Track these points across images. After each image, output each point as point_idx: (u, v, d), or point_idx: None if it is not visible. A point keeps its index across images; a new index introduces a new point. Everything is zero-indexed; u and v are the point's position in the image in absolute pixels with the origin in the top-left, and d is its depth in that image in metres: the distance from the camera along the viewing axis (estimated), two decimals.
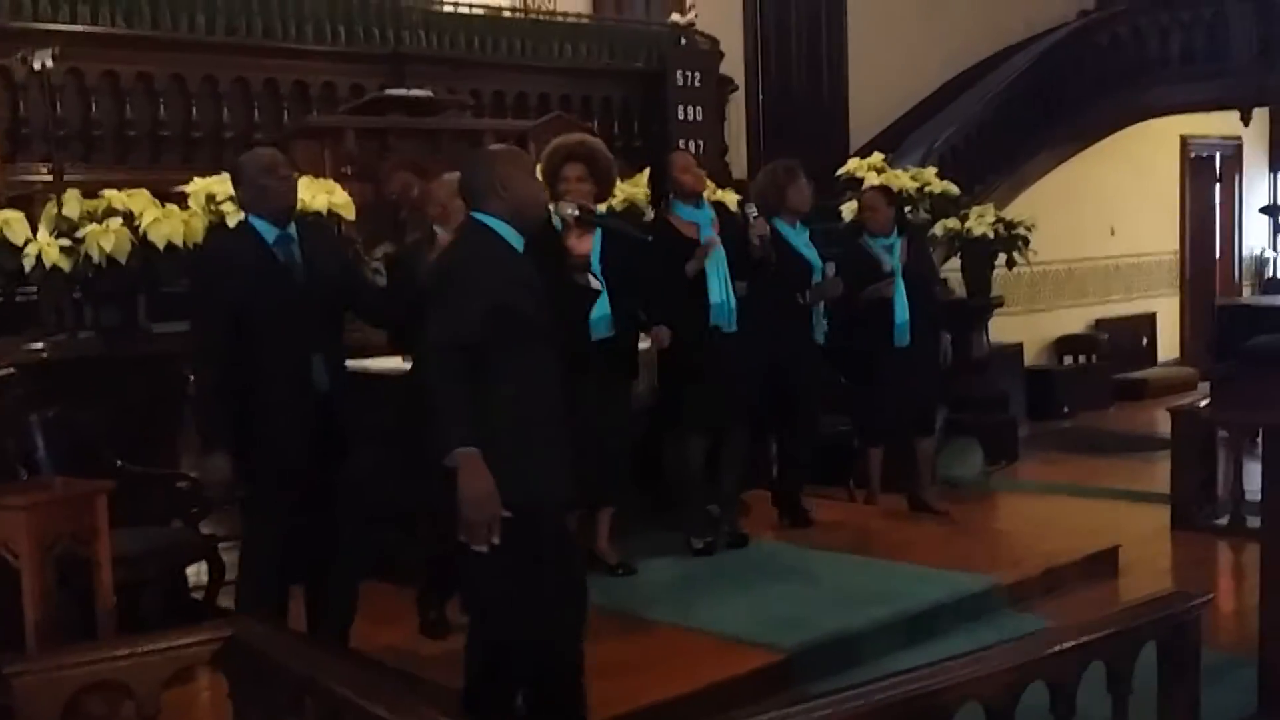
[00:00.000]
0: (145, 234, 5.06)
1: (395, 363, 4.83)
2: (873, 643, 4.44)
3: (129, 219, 5.09)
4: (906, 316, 6.11)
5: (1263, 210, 3.63)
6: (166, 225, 5.10)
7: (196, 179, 5.47)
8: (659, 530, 5.60)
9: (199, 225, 5.22)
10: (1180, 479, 6.28)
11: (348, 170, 6.07)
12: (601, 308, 4.92)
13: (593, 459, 4.89)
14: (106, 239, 4.99)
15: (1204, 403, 6.17)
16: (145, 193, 5.23)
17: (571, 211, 3.80)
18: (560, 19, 8.98)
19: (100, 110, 6.61)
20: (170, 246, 5.09)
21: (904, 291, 6.14)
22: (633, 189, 6.41)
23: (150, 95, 6.78)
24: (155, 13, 6.97)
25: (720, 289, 5.34)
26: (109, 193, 5.19)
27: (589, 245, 4.07)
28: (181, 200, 5.37)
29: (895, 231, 6.26)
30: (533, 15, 9.13)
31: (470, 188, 3.38)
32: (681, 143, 8.14)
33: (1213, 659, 3.94)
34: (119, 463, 4.73)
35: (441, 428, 3.16)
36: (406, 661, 4.18)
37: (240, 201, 4.12)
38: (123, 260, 5.02)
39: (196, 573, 4.83)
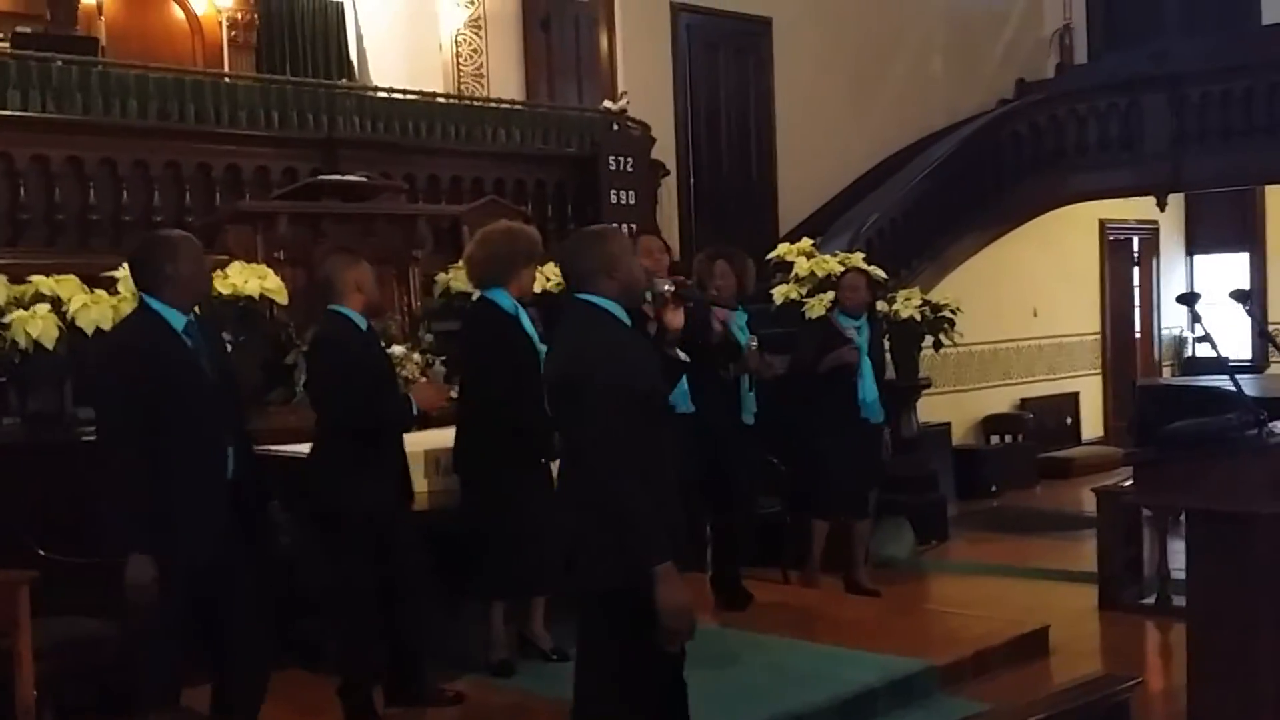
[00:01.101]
0: (73, 320, 5.01)
1: (304, 448, 4.81)
2: None
3: (56, 304, 5.04)
4: (876, 394, 6.29)
5: (1179, 299, 3.73)
6: (95, 311, 5.05)
7: (126, 265, 5.42)
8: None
9: (127, 310, 5.17)
10: (1106, 559, 6.38)
11: (280, 255, 6.05)
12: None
13: (534, 546, 4.91)
14: (34, 325, 4.93)
15: (1128, 483, 6.29)
16: (74, 278, 5.18)
17: (669, 288, 3.85)
18: (494, 104, 9.07)
19: (29, 194, 6.54)
20: (99, 331, 5.03)
21: (871, 371, 6.32)
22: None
23: (80, 179, 6.71)
24: (86, 97, 6.93)
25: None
26: (37, 278, 5.13)
27: (681, 319, 4.10)
28: (110, 285, 5.32)
29: (865, 316, 6.45)
30: (466, 100, 9.21)
31: (578, 269, 3.31)
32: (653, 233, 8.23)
33: None
34: (42, 552, 4.62)
35: (639, 537, 3.05)
36: None
37: (148, 284, 3.89)
38: (50, 346, 4.96)
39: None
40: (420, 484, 4.91)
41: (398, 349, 5.71)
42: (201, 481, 3.84)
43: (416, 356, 5.79)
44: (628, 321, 3.32)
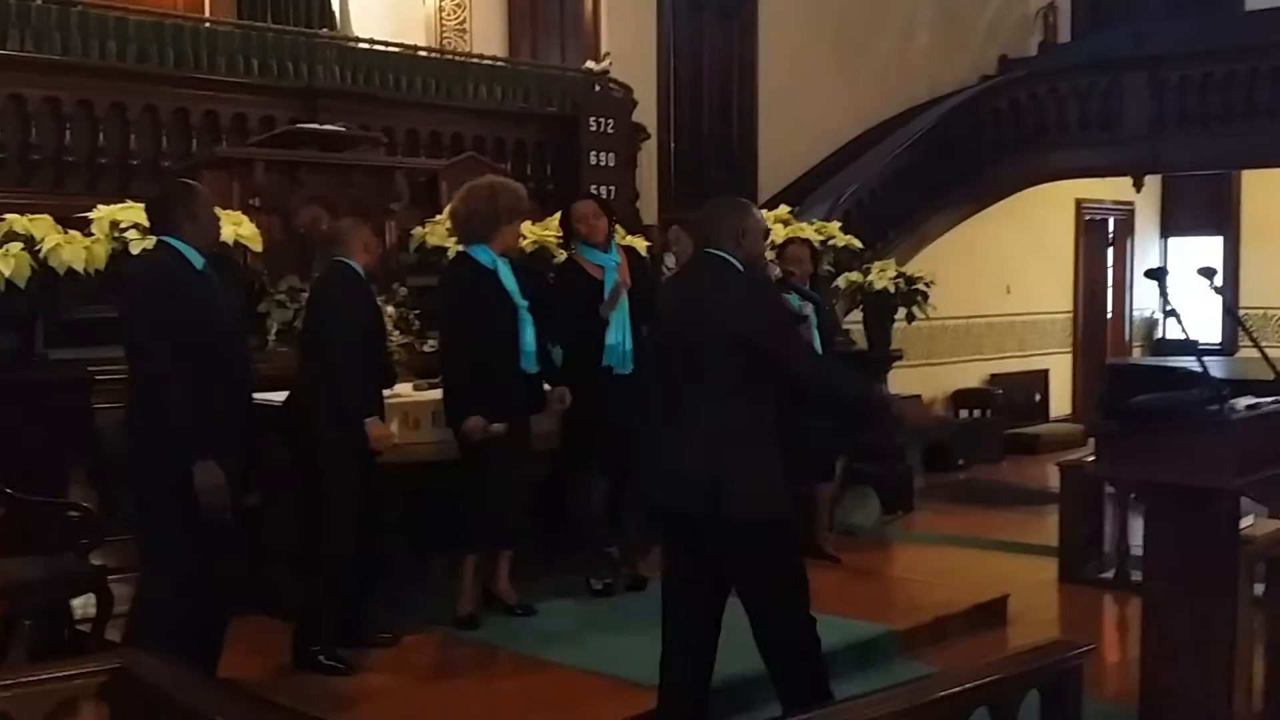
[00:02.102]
0: (46, 259, 4.99)
1: (277, 396, 4.85)
2: (766, 687, 4.48)
3: (30, 243, 5.01)
4: None
5: (1148, 274, 3.78)
6: (68, 251, 5.03)
7: (100, 205, 5.40)
8: (559, 572, 5.62)
9: (101, 252, 5.16)
10: (1068, 533, 6.45)
11: (256, 202, 6.02)
12: (531, 342, 5.00)
13: (509, 501, 4.96)
14: (6, 262, 4.91)
15: (1091, 458, 6.35)
16: (48, 218, 5.15)
17: (777, 273, 4.12)
18: (476, 61, 9.02)
19: (5, 133, 6.49)
20: (71, 272, 5.01)
21: (818, 341, 6.30)
22: (543, 232, 6.45)
23: (57, 120, 6.67)
24: (65, 38, 6.87)
25: (617, 331, 5.42)
26: (10, 216, 5.11)
27: None
28: (85, 226, 5.29)
29: (809, 285, 6.44)
30: (448, 56, 9.15)
31: (713, 230, 3.71)
32: (593, 188, 8.21)
33: (1096, 710, 4.05)
34: (9, 490, 4.62)
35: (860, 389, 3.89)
36: (272, 693, 4.17)
37: (167, 225, 4.04)
38: (22, 284, 4.94)
39: (84, 605, 4.73)
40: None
41: None
42: (232, 406, 3.98)
43: (390, 310, 5.79)
44: None
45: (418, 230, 6.58)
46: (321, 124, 6.74)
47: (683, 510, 3.63)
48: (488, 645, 4.90)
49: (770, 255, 6.09)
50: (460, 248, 5.27)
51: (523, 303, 5.03)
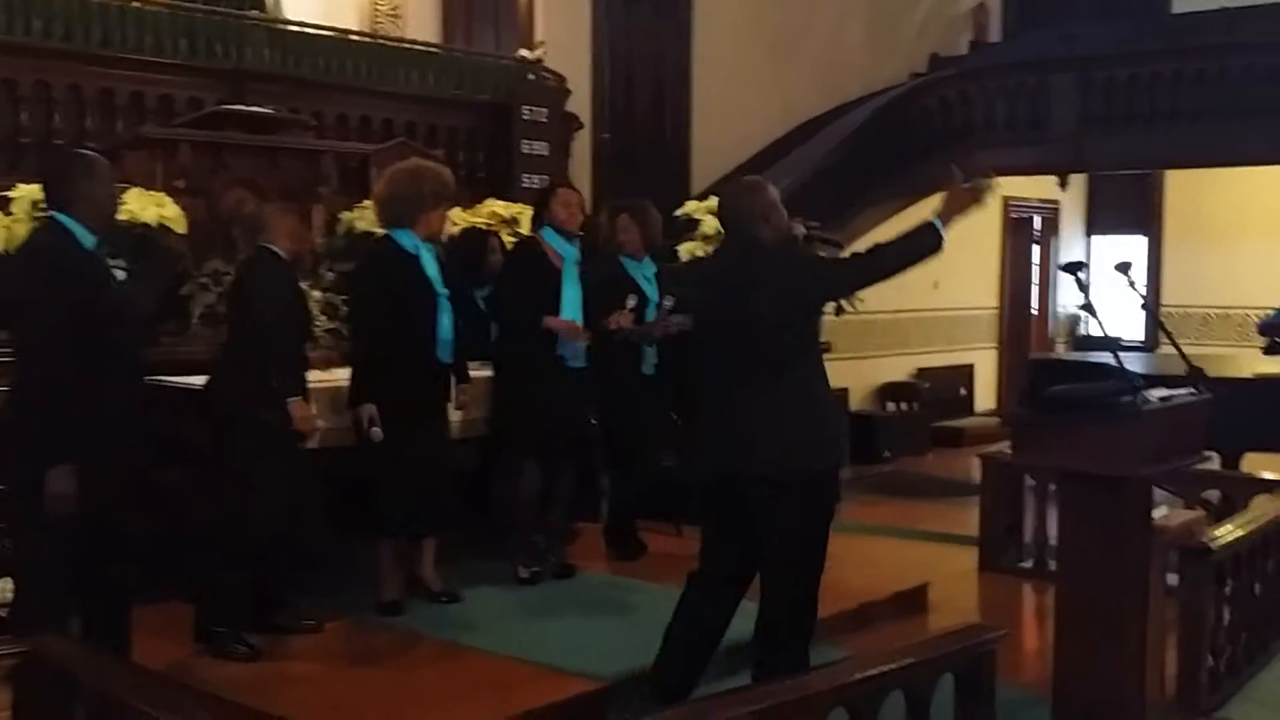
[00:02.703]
0: None
1: (198, 380, 4.78)
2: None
3: None
4: None
5: (1065, 267, 3.85)
6: None
7: (21, 185, 5.29)
8: (486, 559, 5.61)
9: (22, 231, 5.06)
10: (988, 523, 6.55)
11: (180, 184, 5.94)
12: (449, 331, 4.97)
13: (425, 488, 4.93)
14: None
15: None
16: None
17: (800, 231, 4.20)
18: (409, 46, 8.95)
19: None
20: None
21: None
22: (473, 218, 6.43)
23: None
24: None
25: (569, 319, 5.44)
26: None
27: None
28: (5, 205, 5.19)
29: None
30: (380, 40, 9.07)
31: (740, 212, 3.95)
32: (525, 177, 8.21)
33: (1013, 695, 4.14)
34: None
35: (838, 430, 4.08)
36: (190, 679, 4.12)
37: (60, 200, 3.89)
38: None
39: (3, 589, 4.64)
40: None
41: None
42: (114, 396, 3.86)
43: (317, 294, 5.74)
44: None
45: (346, 215, 6.52)
46: (250, 106, 6.65)
47: (745, 473, 3.85)
48: (411, 632, 4.87)
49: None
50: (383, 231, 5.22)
51: (443, 291, 4.99)
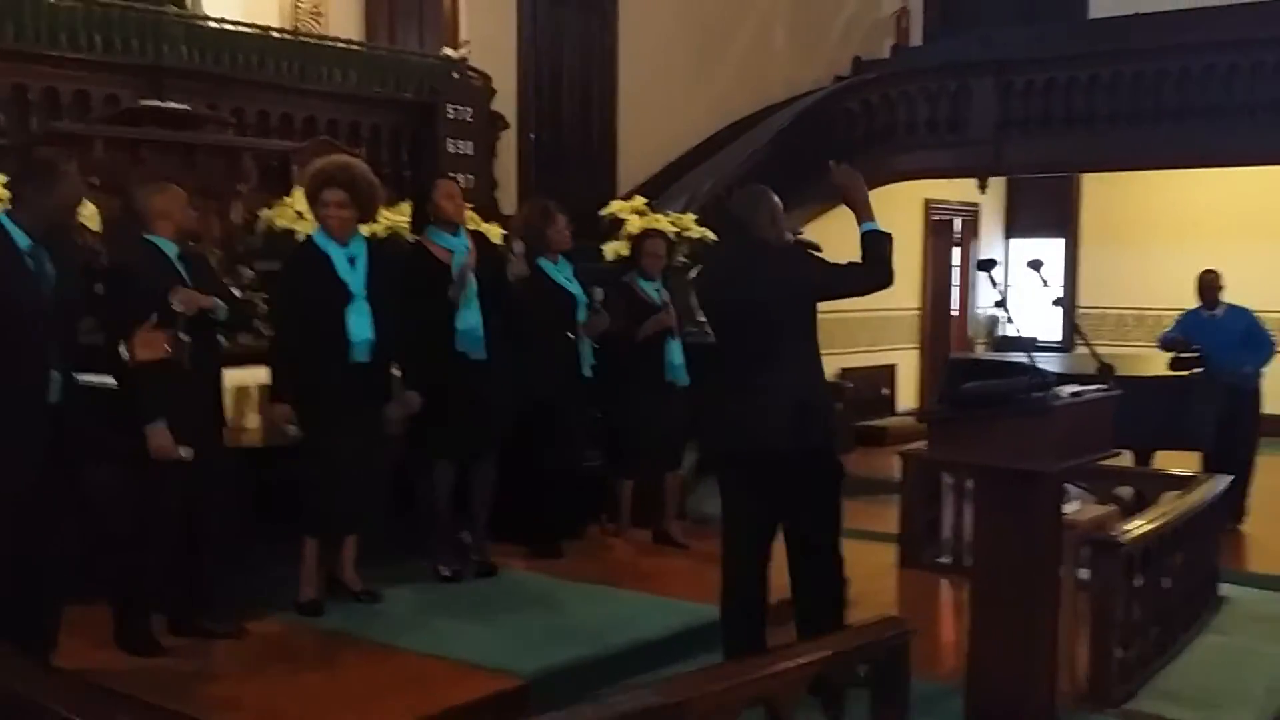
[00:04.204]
0: None
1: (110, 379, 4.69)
2: (612, 669, 4.54)
3: None
4: (682, 359, 6.35)
5: (980, 265, 3.96)
6: None
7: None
8: (408, 558, 5.59)
9: None
10: (908, 519, 6.64)
11: (95, 181, 5.83)
12: (364, 331, 4.92)
13: (345, 487, 4.90)
14: None
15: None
16: None
17: (790, 237, 4.64)
18: (331, 43, 8.87)
19: None
20: None
21: (677, 337, 6.38)
22: (397, 218, 6.39)
23: None
24: None
25: (469, 316, 5.41)
26: None
27: None
28: None
29: (663, 280, 6.52)
30: (302, 37, 8.97)
31: (752, 216, 4.38)
32: (451, 176, 8.16)
33: (929, 688, 4.21)
34: None
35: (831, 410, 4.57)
36: (111, 681, 4.05)
37: (13, 199, 3.96)
38: None
39: None
40: (240, 421, 4.86)
41: None
42: (21, 404, 3.79)
43: (236, 293, 5.66)
44: None
45: (265, 212, 6.45)
46: (167, 103, 6.55)
47: (772, 449, 4.21)
48: (331, 632, 4.84)
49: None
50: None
51: (357, 291, 4.95)
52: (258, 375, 5.12)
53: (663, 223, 7.49)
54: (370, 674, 4.43)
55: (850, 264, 4.31)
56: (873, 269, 4.26)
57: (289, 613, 4.97)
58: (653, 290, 6.41)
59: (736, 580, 4.46)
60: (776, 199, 4.48)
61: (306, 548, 5.01)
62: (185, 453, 4.48)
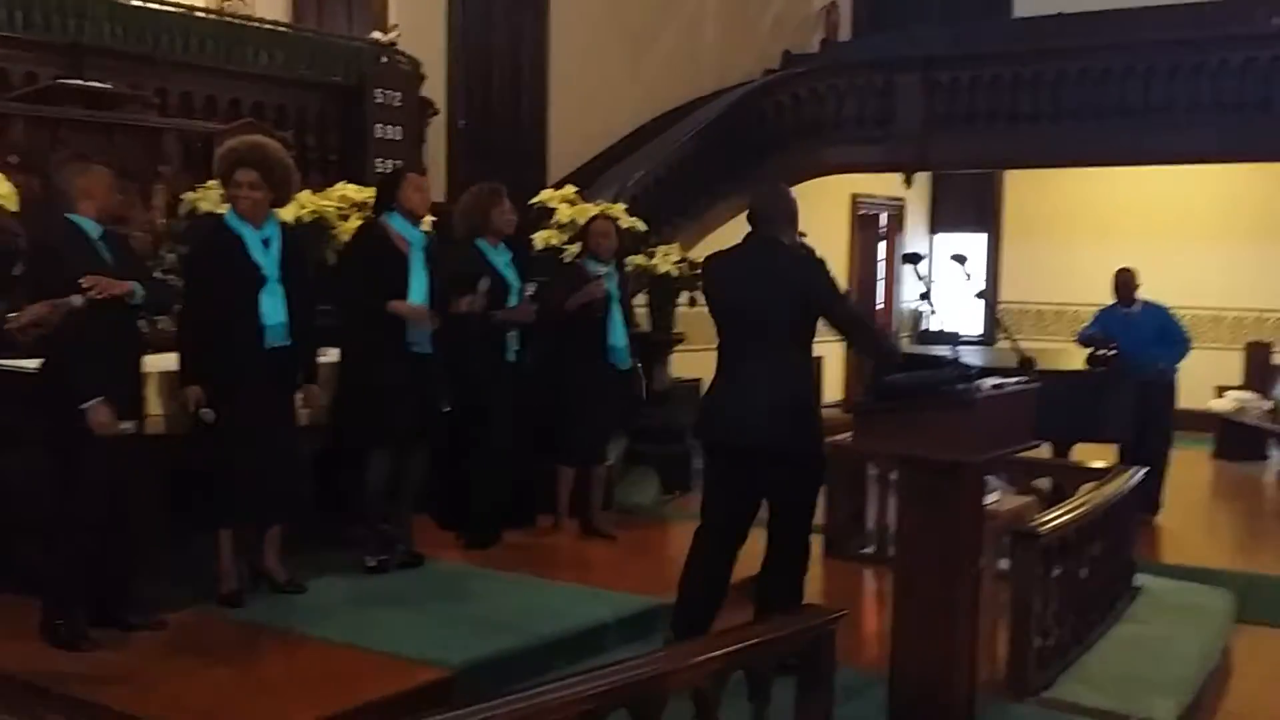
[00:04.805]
0: None
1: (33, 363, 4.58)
2: (537, 659, 4.54)
3: None
4: (625, 341, 6.35)
5: (905, 258, 4.04)
6: None
7: None
8: (333, 549, 5.53)
9: None
10: (833, 510, 6.70)
11: (14, 160, 5.70)
12: (278, 315, 4.85)
13: (259, 475, 4.83)
14: None
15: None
16: None
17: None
18: (257, 24, 8.73)
19: None
20: None
21: (621, 317, 6.37)
22: (323, 202, 6.31)
23: None
24: None
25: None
26: None
27: None
28: None
29: (614, 264, 6.50)
30: (228, 18, 8.82)
31: (772, 213, 4.50)
32: (379, 161, 8.10)
33: (852, 675, 4.26)
34: None
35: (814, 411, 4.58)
36: (28, 675, 3.98)
37: None
38: None
39: None
40: (154, 407, 4.77)
41: None
42: None
43: (158, 275, 5.56)
44: None
45: (188, 195, 6.33)
46: (88, 82, 6.40)
47: (751, 445, 4.36)
48: (253, 623, 4.77)
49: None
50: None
51: (272, 274, 4.87)
52: (167, 360, 5.02)
53: (591, 211, 7.46)
54: (292, 665, 4.38)
55: (859, 315, 4.60)
56: (868, 339, 4.65)
57: (210, 604, 4.89)
58: (602, 272, 6.41)
59: (702, 563, 4.61)
60: (796, 199, 4.59)
61: (222, 538, 4.93)
62: (127, 427, 4.43)
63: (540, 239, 7.47)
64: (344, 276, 5.48)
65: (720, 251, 4.78)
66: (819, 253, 4.80)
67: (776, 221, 4.50)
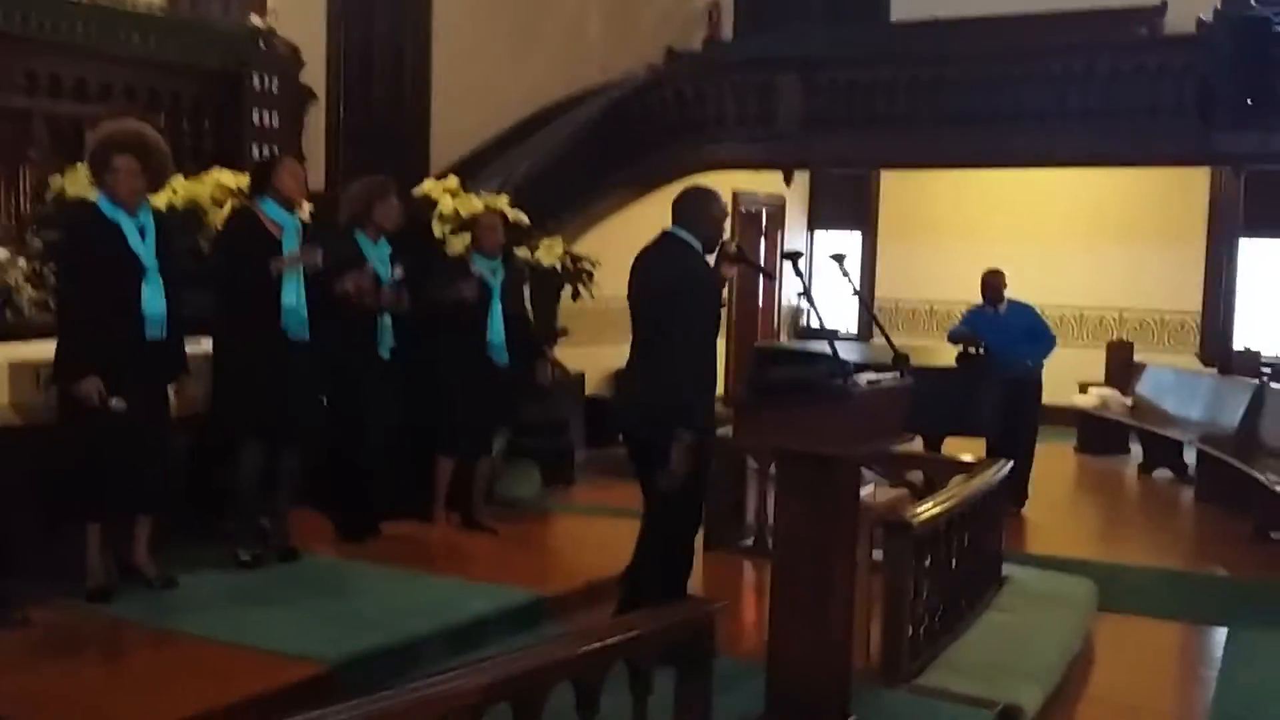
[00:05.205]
0: None
1: None
2: (417, 654, 4.51)
3: None
4: (503, 337, 6.32)
5: (784, 255, 4.13)
6: None
7: None
8: (205, 543, 5.42)
9: None
10: (712, 503, 6.75)
11: None
12: (158, 306, 4.74)
13: (129, 468, 4.70)
14: None
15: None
16: None
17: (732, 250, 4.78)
18: (130, 6, 8.47)
19: None
20: None
21: (501, 313, 6.34)
22: (197, 188, 6.17)
23: None
24: None
25: (294, 294, 5.28)
26: None
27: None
28: None
29: (501, 259, 6.47)
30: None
31: (675, 207, 4.78)
32: (256, 148, 7.94)
33: (731, 666, 4.31)
34: None
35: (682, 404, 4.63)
36: None
37: None
38: None
39: None
40: (6, 397, 4.61)
41: (0, 252, 5.29)
42: None
43: (22, 263, 5.39)
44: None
45: (56, 179, 6.14)
46: None
47: (625, 431, 4.84)
48: (122, 620, 4.66)
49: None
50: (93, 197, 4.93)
51: (151, 263, 4.76)
52: (19, 351, 4.86)
53: (475, 203, 7.43)
54: (163, 662, 4.29)
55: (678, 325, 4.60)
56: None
57: (77, 600, 4.76)
58: (487, 269, 6.37)
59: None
60: (714, 203, 4.79)
61: (90, 532, 4.80)
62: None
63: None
64: (217, 262, 5.38)
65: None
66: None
67: (679, 218, 4.72)
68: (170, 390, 4.97)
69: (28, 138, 6.12)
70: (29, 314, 5.19)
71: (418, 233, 6.65)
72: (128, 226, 4.73)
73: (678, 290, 4.57)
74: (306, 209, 6.41)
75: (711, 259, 4.76)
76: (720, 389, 12.69)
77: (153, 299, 4.73)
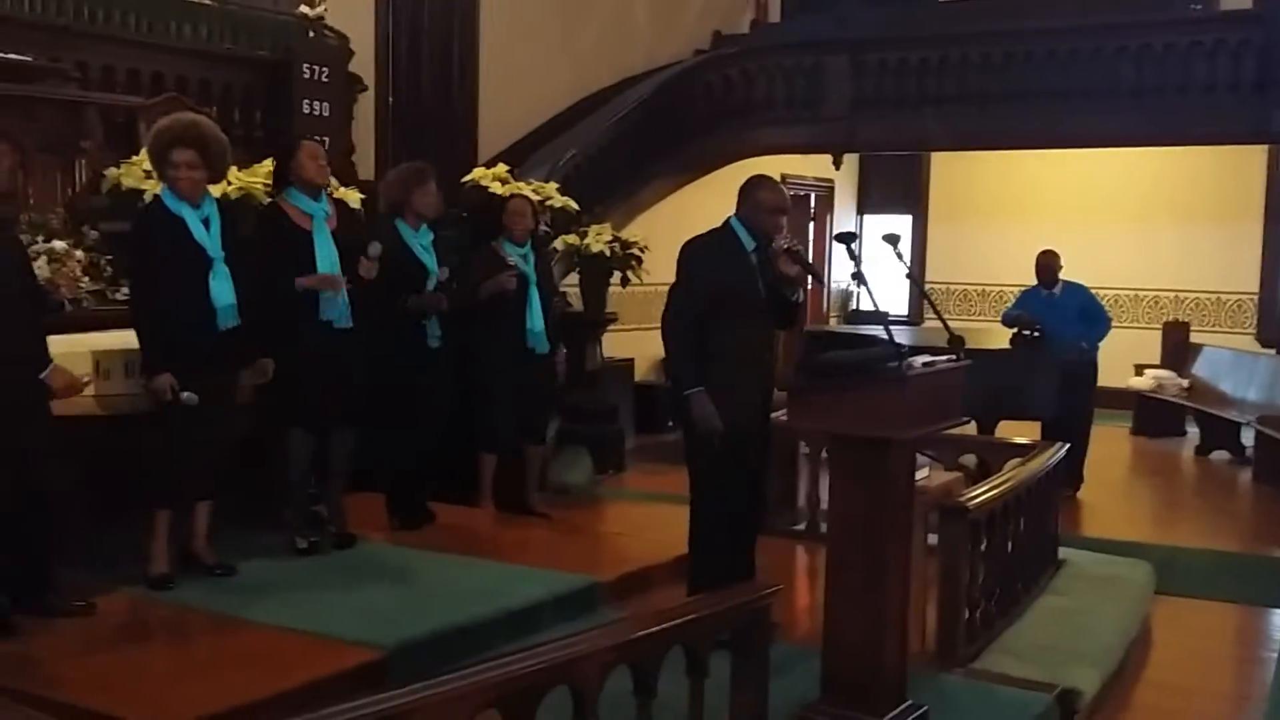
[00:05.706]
0: None
1: None
2: (473, 639, 4.53)
3: None
4: (542, 325, 6.28)
5: (838, 237, 4.06)
6: None
7: None
8: (263, 530, 5.47)
9: None
10: (765, 487, 6.75)
11: None
12: (228, 296, 4.79)
13: (200, 456, 4.76)
14: None
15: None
16: None
17: (782, 245, 4.77)
18: None
19: None
20: None
21: (539, 301, 6.30)
22: (250, 179, 6.21)
23: None
24: None
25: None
26: None
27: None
28: None
29: (530, 244, 6.43)
30: None
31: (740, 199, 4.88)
32: (316, 137, 7.98)
33: (786, 651, 4.32)
34: None
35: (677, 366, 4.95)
36: None
37: None
38: None
39: None
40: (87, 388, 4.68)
41: (58, 245, 5.36)
42: None
43: (80, 254, 5.45)
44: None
45: (111, 171, 6.20)
46: (4, 54, 6.24)
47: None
48: (183, 607, 4.71)
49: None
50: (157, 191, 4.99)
51: (216, 254, 4.81)
52: (87, 342, 4.92)
53: (524, 190, 7.43)
54: (223, 648, 4.33)
55: (680, 313, 4.87)
56: (668, 334, 4.97)
57: (139, 587, 4.82)
58: (518, 255, 6.33)
59: None
60: (761, 191, 4.86)
61: (158, 520, 4.85)
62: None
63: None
64: (255, 259, 5.38)
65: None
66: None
67: (737, 207, 4.87)
68: (244, 374, 5.03)
69: (82, 129, 6.18)
70: (86, 304, 5.25)
71: (485, 224, 6.62)
72: (191, 219, 4.77)
73: (680, 280, 4.83)
74: (355, 194, 6.45)
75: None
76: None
77: (221, 289, 4.78)
